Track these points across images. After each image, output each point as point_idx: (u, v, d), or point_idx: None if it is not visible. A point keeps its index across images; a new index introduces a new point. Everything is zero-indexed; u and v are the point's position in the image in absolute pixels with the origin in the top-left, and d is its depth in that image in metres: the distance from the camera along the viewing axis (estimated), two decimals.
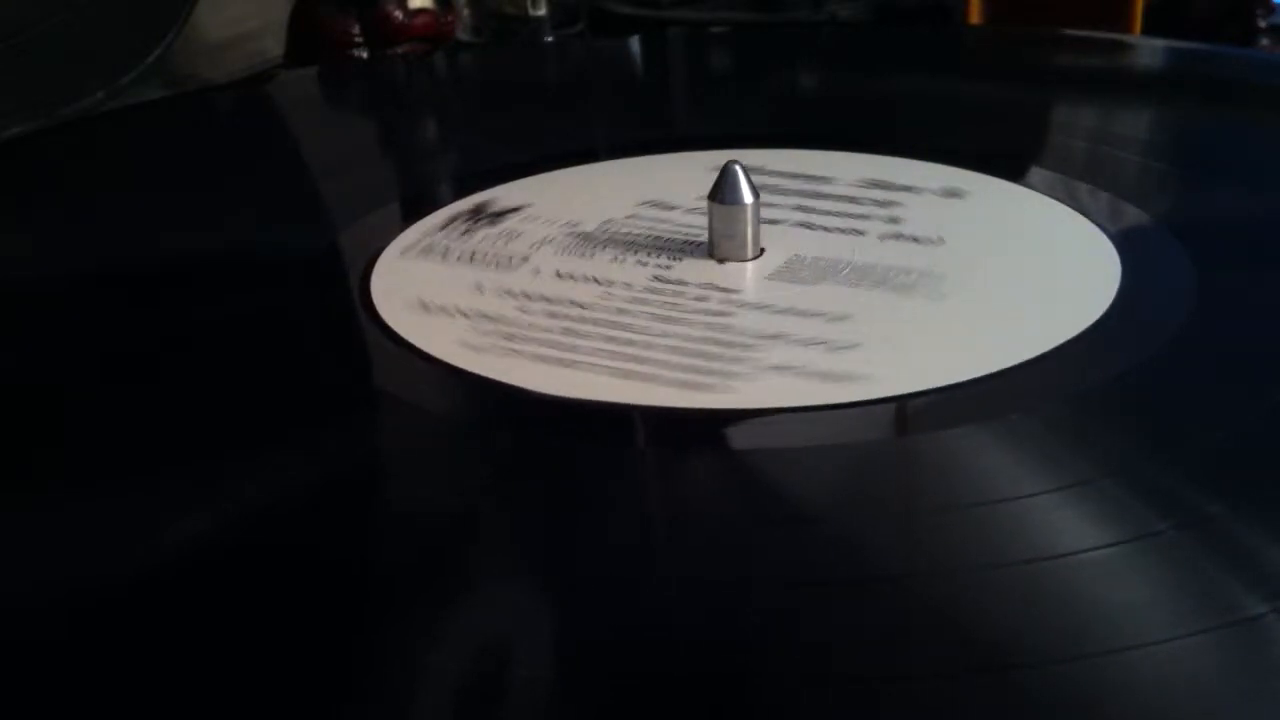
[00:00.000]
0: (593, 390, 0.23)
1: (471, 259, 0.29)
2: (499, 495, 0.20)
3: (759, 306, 0.26)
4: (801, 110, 0.43)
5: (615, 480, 0.21)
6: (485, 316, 0.26)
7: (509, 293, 0.27)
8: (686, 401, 0.22)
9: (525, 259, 0.29)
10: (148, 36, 0.43)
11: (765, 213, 0.29)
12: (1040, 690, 0.15)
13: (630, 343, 0.25)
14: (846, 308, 0.26)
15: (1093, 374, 0.23)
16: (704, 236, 0.29)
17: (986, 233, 0.30)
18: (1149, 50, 0.48)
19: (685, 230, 0.30)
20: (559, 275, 0.28)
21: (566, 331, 0.25)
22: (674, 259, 0.29)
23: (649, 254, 0.29)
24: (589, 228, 0.31)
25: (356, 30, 0.53)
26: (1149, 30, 0.51)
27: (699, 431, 0.22)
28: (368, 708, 0.15)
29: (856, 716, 0.15)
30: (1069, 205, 0.31)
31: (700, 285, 0.27)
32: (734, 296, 0.27)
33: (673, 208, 0.32)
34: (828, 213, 0.31)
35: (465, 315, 0.26)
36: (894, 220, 0.31)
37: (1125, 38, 0.49)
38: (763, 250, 0.29)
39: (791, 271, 0.28)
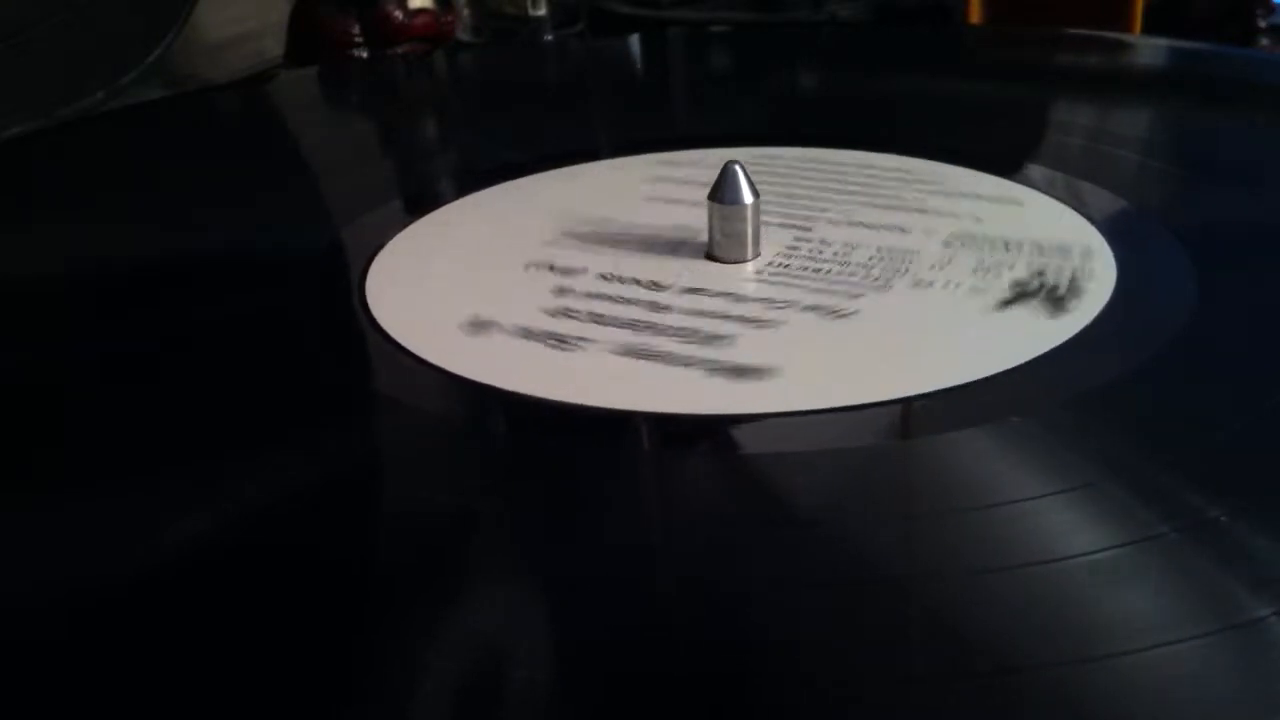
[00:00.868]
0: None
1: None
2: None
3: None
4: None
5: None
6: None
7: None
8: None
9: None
10: (148, 36, 0.43)
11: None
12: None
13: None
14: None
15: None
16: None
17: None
18: (1149, 50, 0.48)
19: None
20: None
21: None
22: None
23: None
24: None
25: (356, 30, 0.53)
26: (1149, 30, 0.51)
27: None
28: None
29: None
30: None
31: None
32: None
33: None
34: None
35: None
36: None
37: (1125, 37, 0.49)
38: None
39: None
